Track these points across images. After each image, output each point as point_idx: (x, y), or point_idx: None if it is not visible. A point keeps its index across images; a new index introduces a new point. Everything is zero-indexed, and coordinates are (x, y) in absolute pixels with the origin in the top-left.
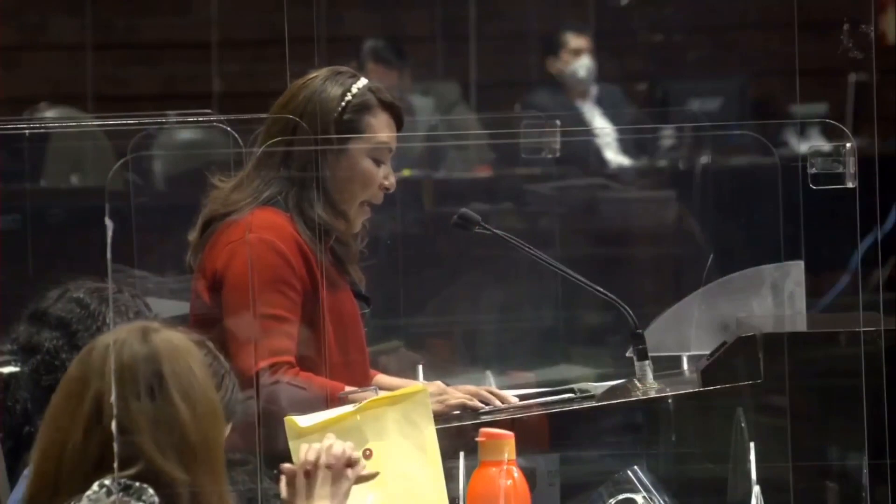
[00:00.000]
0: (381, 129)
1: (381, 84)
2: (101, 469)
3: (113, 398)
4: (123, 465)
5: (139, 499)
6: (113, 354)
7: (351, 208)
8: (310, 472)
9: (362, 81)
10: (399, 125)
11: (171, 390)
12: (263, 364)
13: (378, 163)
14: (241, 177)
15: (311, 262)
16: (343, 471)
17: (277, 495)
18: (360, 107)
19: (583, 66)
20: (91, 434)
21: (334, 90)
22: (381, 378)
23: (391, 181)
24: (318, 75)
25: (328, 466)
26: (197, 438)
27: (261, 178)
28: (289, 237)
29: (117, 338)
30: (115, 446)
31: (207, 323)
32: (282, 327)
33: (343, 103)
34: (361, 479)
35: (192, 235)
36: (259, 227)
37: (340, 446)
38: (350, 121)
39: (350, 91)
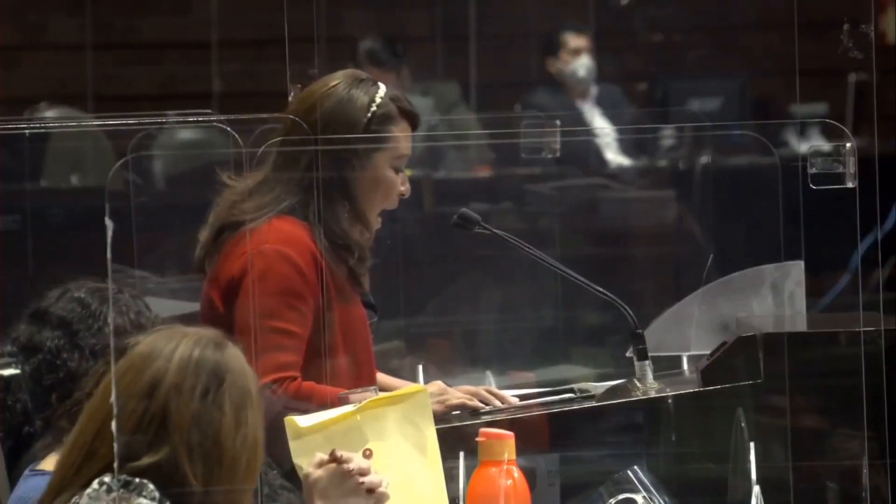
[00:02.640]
0: (402, 138)
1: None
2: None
3: (113, 398)
4: (148, 449)
5: (140, 494)
6: (181, 347)
7: (372, 217)
8: (339, 460)
9: (383, 89)
10: (414, 130)
11: (226, 400)
12: (268, 379)
13: (397, 171)
14: (258, 180)
15: (326, 275)
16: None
17: (285, 487)
18: (384, 117)
19: (582, 65)
20: (136, 409)
21: (360, 100)
22: (381, 378)
23: (407, 187)
24: (339, 82)
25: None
26: (231, 455)
27: (282, 184)
28: (305, 249)
29: (191, 333)
30: (115, 446)
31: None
32: (289, 342)
33: (368, 114)
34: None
35: (204, 234)
36: (275, 239)
37: (368, 464)
38: (375, 132)
39: (374, 101)
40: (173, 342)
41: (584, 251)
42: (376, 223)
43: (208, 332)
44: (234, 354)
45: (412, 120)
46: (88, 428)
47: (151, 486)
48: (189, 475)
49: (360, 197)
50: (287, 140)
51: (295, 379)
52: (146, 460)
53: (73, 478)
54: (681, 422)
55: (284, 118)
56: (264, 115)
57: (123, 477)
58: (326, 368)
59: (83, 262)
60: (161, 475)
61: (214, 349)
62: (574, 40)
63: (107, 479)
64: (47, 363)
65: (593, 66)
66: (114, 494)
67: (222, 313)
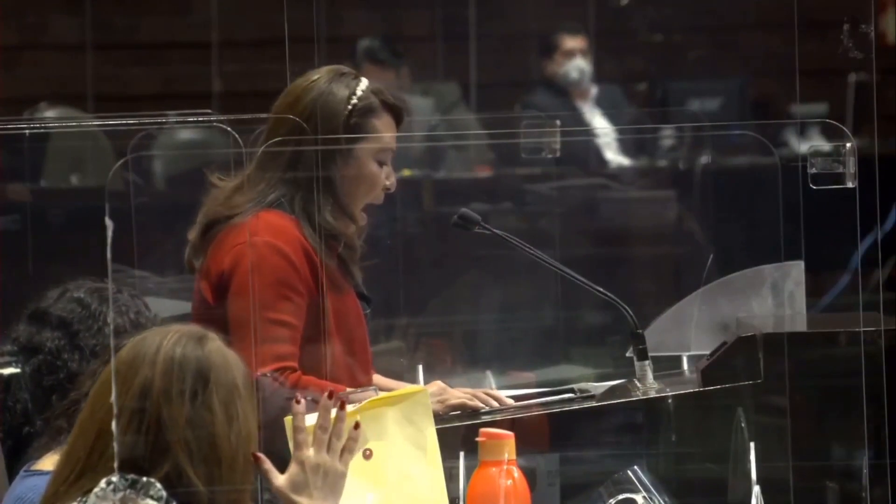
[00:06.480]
0: (385, 131)
1: (380, 84)
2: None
3: (113, 398)
4: (151, 465)
5: (147, 494)
6: (164, 349)
7: (356, 210)
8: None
9: (365, 83)
10: (399, 124)
11: (214, 399)
12: (267, 369)
13: (381, 164)
14: (243, 178)
15: (317, 267)
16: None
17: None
18: (365, 110)
19: (574, 67)
20: (131, 420)
21: (340, 93)
22: (381, 379)
23: (392, 181)
24: (320, 76)
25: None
26: (229, 454)
27: (265, 180)
28: (294, 241)
29: (171, 333)
30: (115, 446)
31: (210, 324)
32: (286, 332)
33: (349, 106)
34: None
35: (192, 234)
36: (265, 231)
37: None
38: (356, 124)
39: (355, 94)
40: (154, 346)
41: (584, 251)
42: (361, 219)
43: (188, 329)
44: (215, 348)
45: (396, 114)
46: (79, 444)
47: (159, 486)
48: (195, 481)
49: (344, 190)
50: (272, 137)
51: (294, 370)
52: (153, 475)
53: (67, 490)
54: (681, 422)
55: (271, 117)
56: (264, 115)
57: (131, 476)
58: (326, 358)
59: (83, 262)
60: (170, 486)
61: (196, 346)
62: (568, 42)
63: (114, 478)
64: (48, 364)
65: (588, 68)
66: (121, 494)
67: (214, 307)
